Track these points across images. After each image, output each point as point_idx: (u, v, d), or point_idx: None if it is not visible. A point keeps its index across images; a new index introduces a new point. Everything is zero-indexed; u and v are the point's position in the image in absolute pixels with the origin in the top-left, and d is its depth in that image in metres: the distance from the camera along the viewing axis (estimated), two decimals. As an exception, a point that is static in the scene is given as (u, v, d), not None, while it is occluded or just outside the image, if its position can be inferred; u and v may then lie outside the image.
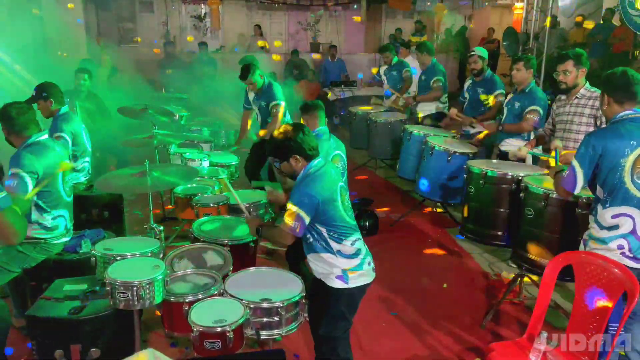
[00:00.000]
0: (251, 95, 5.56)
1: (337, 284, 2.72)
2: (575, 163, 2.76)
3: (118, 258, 2.82)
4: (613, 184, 2.69)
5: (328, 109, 7.99)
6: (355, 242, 2.77)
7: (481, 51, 5.60)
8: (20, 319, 3.49)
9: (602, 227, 2.76)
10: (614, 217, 2.71)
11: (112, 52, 11.43)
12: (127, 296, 2.44)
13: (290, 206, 2.60)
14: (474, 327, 3.81)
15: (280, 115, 5.31)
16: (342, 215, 2.75)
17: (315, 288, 2.86)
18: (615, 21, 10.01)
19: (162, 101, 6.96)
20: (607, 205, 2.71)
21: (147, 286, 2.48)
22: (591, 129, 3.84)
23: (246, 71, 5.24)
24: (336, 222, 2.72)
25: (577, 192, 2.81)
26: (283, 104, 5.34)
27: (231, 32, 13.75)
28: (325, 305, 2.79)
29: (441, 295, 4.30)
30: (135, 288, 2.45)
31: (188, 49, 12.45)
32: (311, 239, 2.74)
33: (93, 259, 2.92)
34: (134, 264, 2.72)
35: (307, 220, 2.62)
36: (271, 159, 2.86)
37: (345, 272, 2.72)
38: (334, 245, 2.72)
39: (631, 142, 2.65)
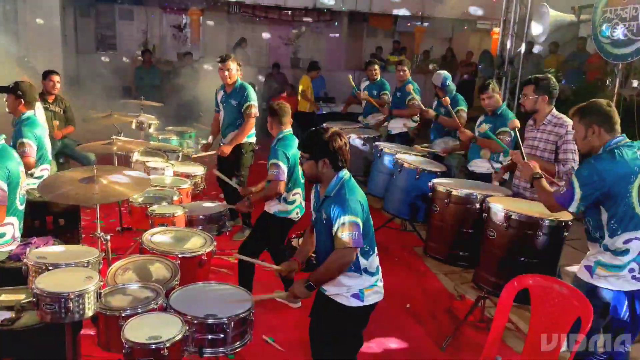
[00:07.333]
0: (220, 95, 5.45)
1: (353, 302, 2.61)
2: (575, 183, 2.70)
3: (50, 267, 2.64)
4: (624, 211, 2.66)
5: (307, 124, 7.92)
6: (375, 256, 2.71)
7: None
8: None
9: (616, 254, 2.73)
10: (625, 242, 2.70)
11: (88, 59, 11.30)
12: (55, 308, 2.26)
13: (343, 218, 2.46)
14: (434, 350, 3.73)
15: (253, 116, 5.21)
16: (372, 227, 2.68)
17: (322, 307, 2.72)
18: (590, 49, 10.21)
19: (133, 109, 6.82)
20: (619, 233, 2.69)
21: (77, 298, 2.31)
22: (553, 155, 3.83)
23: (227, 56, 5.19)
24: (370, 235, 2.64)
25: (572, 210, 2.75)
26: (256, 104, 5.26)
27: (211, 44, 13.65)
28: (335, 325, 2.68)
29: (404, 315, 4.22)
30: (63, 300, 2.29)
31: (167, 58, 12.33)
32: None
33: (25, 267, 2.74)
34: (66, 275, 2.54)
35: (361, 227, 2.50)
36: (300, 153, 2.69)
37: (362, 290, 2.62)
38: (362, 262, 2.61)
39: (634, 168, 2.66)
